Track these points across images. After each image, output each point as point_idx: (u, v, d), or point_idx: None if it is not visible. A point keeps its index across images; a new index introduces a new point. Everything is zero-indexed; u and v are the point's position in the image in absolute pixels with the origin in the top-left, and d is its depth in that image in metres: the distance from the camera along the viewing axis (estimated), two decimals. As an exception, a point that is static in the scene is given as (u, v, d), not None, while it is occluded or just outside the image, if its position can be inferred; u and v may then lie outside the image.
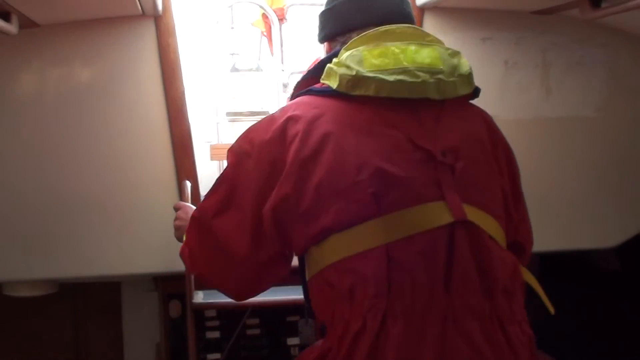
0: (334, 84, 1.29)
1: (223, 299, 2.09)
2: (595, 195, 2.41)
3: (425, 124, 1.26)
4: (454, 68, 1.28)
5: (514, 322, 1.19)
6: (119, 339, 2.67)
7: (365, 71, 1.25)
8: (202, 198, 1.57)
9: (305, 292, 1.38)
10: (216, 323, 2.36)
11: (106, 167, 2.21)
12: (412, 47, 1.28)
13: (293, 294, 2.12)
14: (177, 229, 1.76)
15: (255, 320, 2.41)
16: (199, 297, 2.21)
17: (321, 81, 1.36)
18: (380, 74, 1.24)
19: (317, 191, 1.22)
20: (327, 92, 1.31)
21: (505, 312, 1.18)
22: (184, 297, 2.30)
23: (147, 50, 2.21)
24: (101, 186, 2.21)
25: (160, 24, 2.20)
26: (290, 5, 3.12)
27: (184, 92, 2.25)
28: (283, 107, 1.36)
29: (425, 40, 1.32)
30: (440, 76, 1.25)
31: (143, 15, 2.14)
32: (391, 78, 1.23)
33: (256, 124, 1.39)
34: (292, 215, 1.26)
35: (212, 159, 2.54)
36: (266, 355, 2.42)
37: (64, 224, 2.20)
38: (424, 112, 1.27)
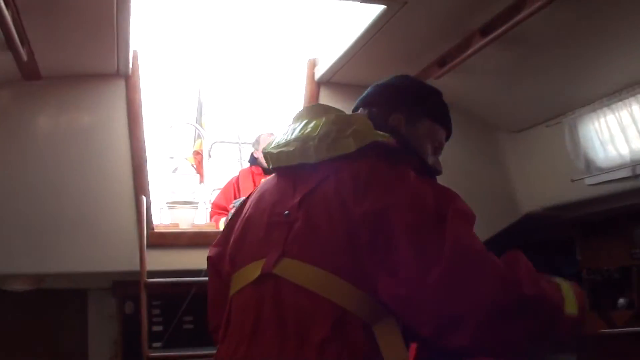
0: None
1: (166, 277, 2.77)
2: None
3: (294, 188, 1.31)
4: (326, 134, 1.29)
5: None
6: (86, 334, 3.30)
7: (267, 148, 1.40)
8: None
9: None
10: (160, 319, 3.02)
11: (83, 187, 2.87)
12: (305, 122, 1.35)
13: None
14: None
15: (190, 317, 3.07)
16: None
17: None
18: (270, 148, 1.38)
19: None
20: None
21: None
22: (135, 299, 2.93)
23: (118, 102, 2.93)
24: (80, 202, 2.85)
25: (129, 82, 2.94)
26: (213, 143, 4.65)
27: (143, 133, 2.96)
28: None
29: (320, 114, 1.36)
30: (310, 143, 1.29)
31: (117, 74, 2.88)
32: (275, 151, 1.35)
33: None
34: None
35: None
36: (197, 344, 3.02)
37: (49, 232, 2.79)
38: (298, 177, 1.31)
